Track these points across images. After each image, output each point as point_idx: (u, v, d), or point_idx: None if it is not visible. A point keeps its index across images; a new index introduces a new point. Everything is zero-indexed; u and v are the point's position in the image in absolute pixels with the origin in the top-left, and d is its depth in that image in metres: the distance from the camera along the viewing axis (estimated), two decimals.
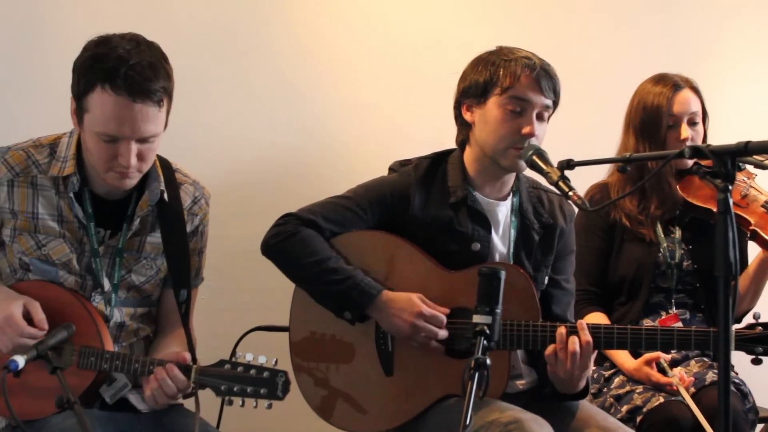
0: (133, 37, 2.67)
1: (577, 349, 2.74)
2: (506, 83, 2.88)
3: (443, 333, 2.86)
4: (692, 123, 3.50)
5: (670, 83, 3.51)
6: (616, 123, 3.62)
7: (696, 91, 3.53)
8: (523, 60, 2.89)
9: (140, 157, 2.68)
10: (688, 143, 3.44)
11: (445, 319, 2.86)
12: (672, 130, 3.48)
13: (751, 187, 3.47)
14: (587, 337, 2.76)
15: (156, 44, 2.71)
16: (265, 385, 2.64)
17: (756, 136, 2.23)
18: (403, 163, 3.09)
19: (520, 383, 3.02)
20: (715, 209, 3.38)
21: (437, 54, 3.99)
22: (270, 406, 2.66)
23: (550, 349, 2.78)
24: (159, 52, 2.69)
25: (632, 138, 3.53)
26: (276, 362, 2.68)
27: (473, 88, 2.94)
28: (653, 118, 3.49)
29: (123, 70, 2.58)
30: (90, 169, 2.77)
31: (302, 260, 2.91)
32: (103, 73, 2.60)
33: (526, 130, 2.87)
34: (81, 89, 2.65)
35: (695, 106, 3.51)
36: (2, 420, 2.80)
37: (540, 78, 2.88)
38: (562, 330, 2.77)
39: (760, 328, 2.80)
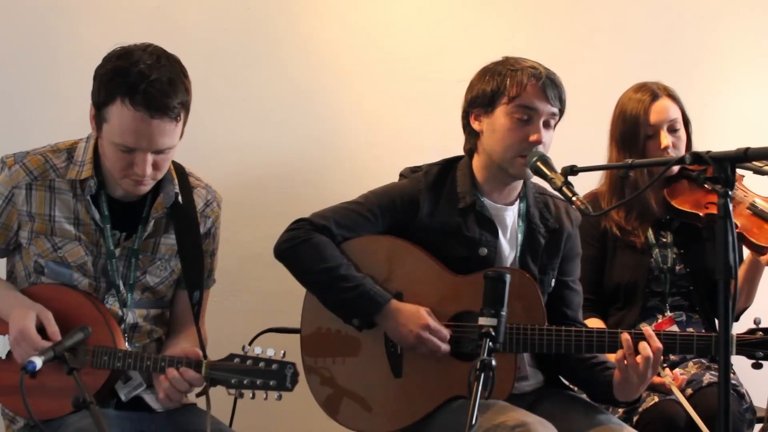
0: (154, 51, 2.70)
1: (650, 353, 2.77)
2: (513, 92, 2.92)
3: (446, 347, 2.89)
4: (672, 130, 3.51)
5: (648, 93, 3.52)
6: None
7: (674, 98, 3.54)
8: (529, 69, 2.93)
9: (155, 166, 2.73)
10: (670, 150, 3.46)
11: (448, 335, 2.90)
12: (652, 139, 3.50)
13: (739, 188, 3.47)
14: (658, 343, 2.79)
15: (176, 58, 2.74)
16: (274, 377, 2.66)
17: (752, 141, 2.27)
18: (414, 170, 3.13)
19: (526, 385, 3.06)
20: (701, 213, 3.43)
21: (444, 62, 4.03)
22: (280, 398, 2.68)
23: (619, 354, 2.81)
24: (179, 66, 2.73)
25: (614, 150, 3.55)
26: (284, 354, 2.70)
27: (481, 98, 2.98)
28: (632, 128, 3.51)
29: (143, 86, 2.62)
30: (106, 172, 2.82)
31: (313, 266, 2.95)
32: (123, 87, 2.63)
33: (533, 137, 2.91)
34: (101, 100, 2.69)
35: (674, 113, 3.51)
36: (20, 420, 2.85)
37: (546, 87, 2.92)
38: (626, 336, 2.80)
39: (760, 333, 2.83)
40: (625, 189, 3.53)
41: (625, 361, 2.80)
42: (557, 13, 4.25)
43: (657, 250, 3.53)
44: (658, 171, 3.37)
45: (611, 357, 2.99)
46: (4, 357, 2.81)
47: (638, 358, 2.78)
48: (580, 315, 3.15)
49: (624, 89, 3.64)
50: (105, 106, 2.68)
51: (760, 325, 2.86)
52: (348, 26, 4.01)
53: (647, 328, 2.83)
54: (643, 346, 2.78)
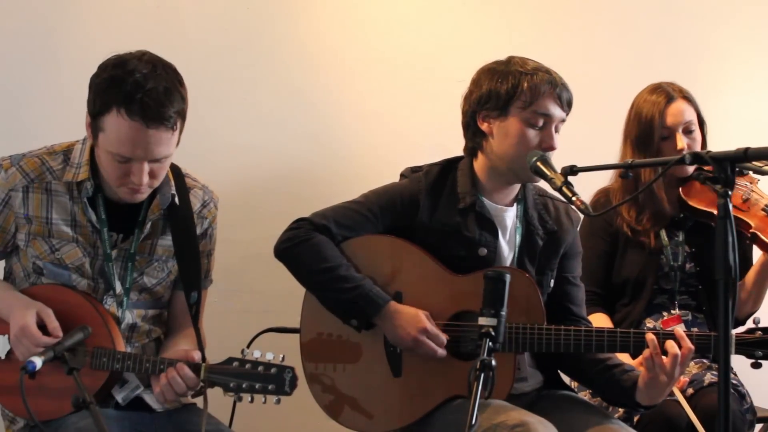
0: (149, 59, 2.68)
1: (678, 351, 2.77)
2: (531, 98, 2.90)
3: (442, 352, 2.89)
4: (688, 131, 3.53)
5: (663, 94, 3.54)
6: (618, 129, 3.65)
7: (689, 100, 3.56)
8: (544, 75, 2.92)
9: (152, 174, 2.72)
10: (686, 152, 3.47)
11: (445, 340, 2.90)
12: (667, 141, 3.52)
13: (753, 191, 3.49)
14: (689, 344, 2.79)
15: (172, 66, 2.72)
16: (273, 381, 2.66)
17: (753, 141, 2.26)
18: (414, 170, 3.13)
19: (526, 386, 3.05)
20: (715, 212, 3.44)
21: (444, 62, 4.03)
22: (279, 402, 2.67)
23: (646, 354, 2.79)
24: (174, 74, 2.71)
25: (629, 150, 3.56)
26: (283, 358, 2.69)
27: (494, 99, 2.94)
28: (647, 130, 3.53)
29: (139, 96, 2.60)
30: (103, 175, 2.82)
31: (313, 266, 2.95)
32: (119, 97, 2.62)
33: (547, 144, 2.91)
34: (97, 109, 2.67)
35: (689, 116, 3.53)
36: (20, 420, 2.85)
37: (561, 93, 2.92)
38: (652, 336, 2.79)
39: (759, 332, 2.84)
40: (638, 187, 3.53)
41: (653, 362, 2.78)
42: (558, 12, 4.25)
43: (669, 247, 3.53)
44: (678, 170, 3.45)
45: (621, 357, 3.01)
46: (3, 357, 2.82)
47: (666, 358, 2.77)
48: (584, 310, 3.15)
49: (624, 89, 3.66)
50: (100, 115, 2.66)
51: (759, 325, 2.86)
52: (348, 26, 4.00)
53: (677, 329, 2.83)
54: (670, 344, 2.78)
